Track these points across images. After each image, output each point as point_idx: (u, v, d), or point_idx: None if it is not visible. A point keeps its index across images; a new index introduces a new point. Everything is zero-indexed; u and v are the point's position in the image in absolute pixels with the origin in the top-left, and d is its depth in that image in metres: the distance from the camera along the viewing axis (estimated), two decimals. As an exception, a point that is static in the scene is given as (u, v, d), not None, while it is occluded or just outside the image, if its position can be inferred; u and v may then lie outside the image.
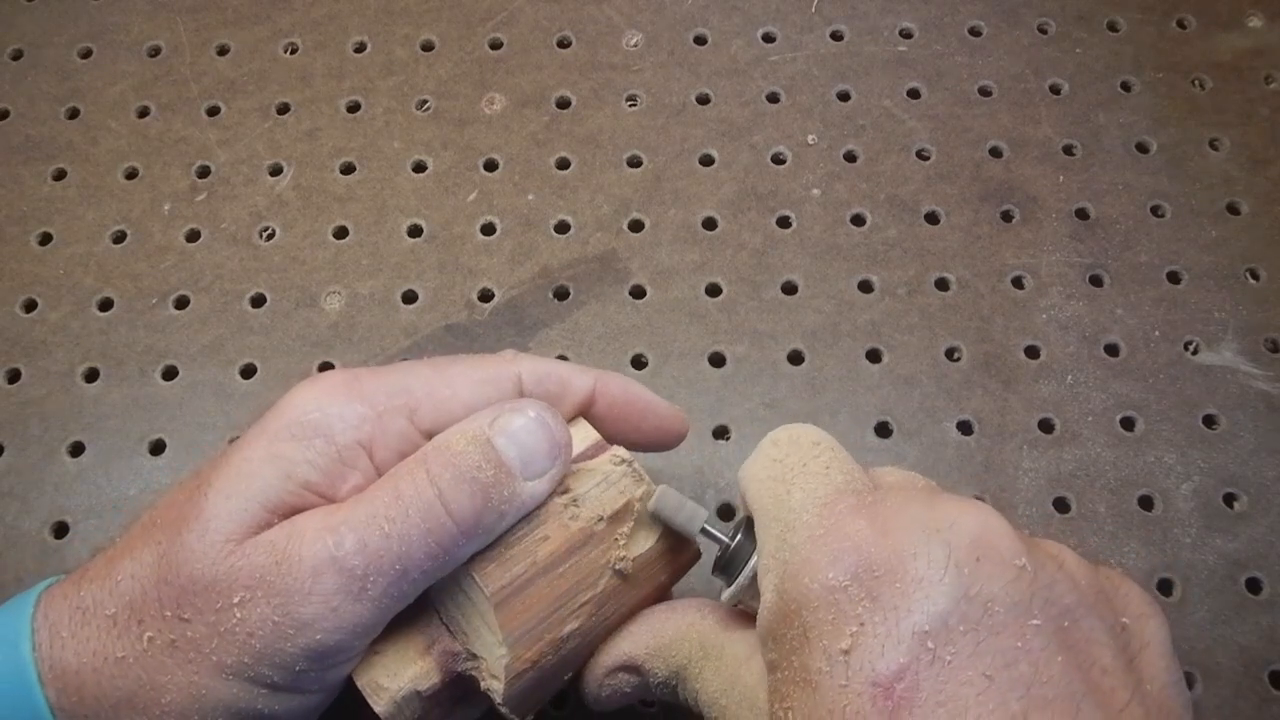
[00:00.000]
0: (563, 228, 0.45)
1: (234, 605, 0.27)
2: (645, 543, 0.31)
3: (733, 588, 0.30)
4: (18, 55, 0.50)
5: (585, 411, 0.33)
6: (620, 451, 0.31)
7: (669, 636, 0.30)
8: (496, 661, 0.29)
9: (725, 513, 0.40)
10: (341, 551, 0.27)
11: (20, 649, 0.28)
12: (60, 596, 0.29)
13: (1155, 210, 0.45)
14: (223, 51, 0.49)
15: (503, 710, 0.29)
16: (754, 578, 0.29)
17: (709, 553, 0.32)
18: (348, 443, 0.29)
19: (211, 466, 0.29)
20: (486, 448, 0.29)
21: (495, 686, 0.29)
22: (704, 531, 0.31)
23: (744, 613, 0.31)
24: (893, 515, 0.26)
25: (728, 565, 0.30)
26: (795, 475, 0.29)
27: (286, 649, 0.27)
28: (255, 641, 0.27)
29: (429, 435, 0.30)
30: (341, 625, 0.27)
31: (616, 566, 0.30)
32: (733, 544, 0.30)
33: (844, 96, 0.48)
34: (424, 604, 0.30)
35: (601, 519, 0.30)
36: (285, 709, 0.28)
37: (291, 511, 0.29)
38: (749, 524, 0.30)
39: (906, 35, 0.49)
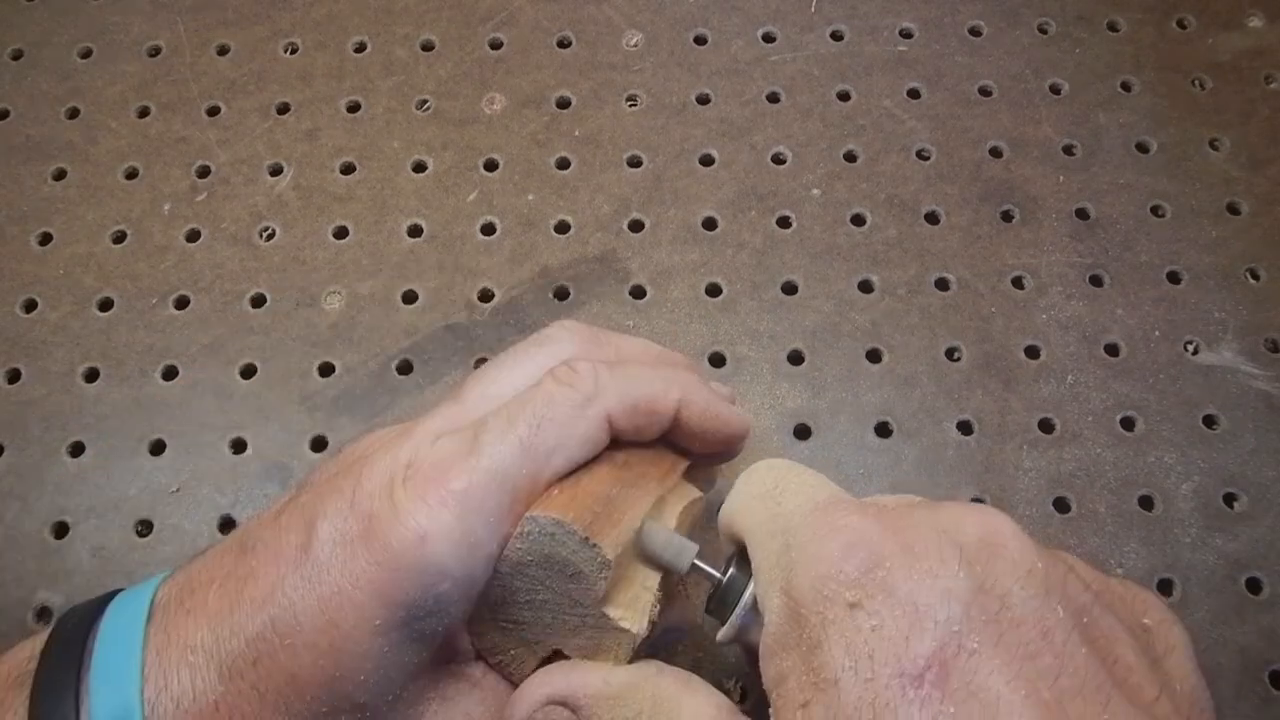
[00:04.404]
0: (563, 228, 0.45)
1: None
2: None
3: (731, 619, 0.28)
4: (18, 55, 0.50)
5: (667, 430, 0.31)
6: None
7: (620, 685, 0.29)
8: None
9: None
10: None
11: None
12: (187, 668, 0.27)
13: (1155, 210, 0.45)
14: (223, 51, 0.49)
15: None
16: (753, 608, 0.28)
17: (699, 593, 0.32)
18: (481, 587, 0.28)
19: (337, 629, 0.27)
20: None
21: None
22: (694, 568, 0.29)
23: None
24: (898, 517, 0.26)
25: (722, 601, 0.29)
26: (783, 490, 0.28)
27: None
28: None
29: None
30: None
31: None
32: (725, 578, 0.29)
33: (844, 96, 0.48)
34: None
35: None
36: None
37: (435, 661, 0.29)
38: (740, 556, 0.29)
39: (906, 35, 0.49)
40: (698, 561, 0.29)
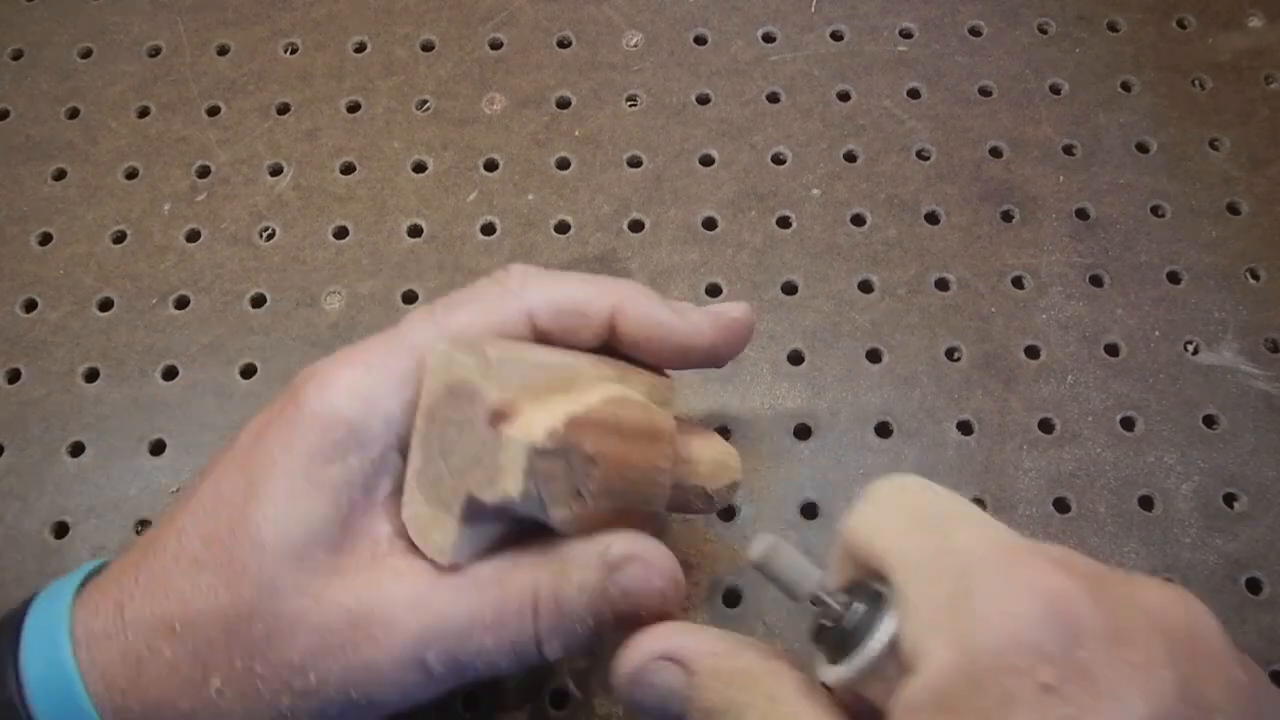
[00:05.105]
0: (563, 228, 0.45)
1: (309, 668, 0.26)
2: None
3: (857, 660, 0.24)
4: (18, 55, 0.50)
5: (604, 337, 0.31)
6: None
7: (740, 666, 0.26)
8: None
9: (725, 512, 0.40)
10: (431, 656, 0.27)
11: (76, 697, 0.26)
12: (104, 638, 0.27)
13: (1155, 210, 0.45)
14: (223, 51, 0.49)
15: None
16: (885, 654, 0.24)
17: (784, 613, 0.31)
18: (381, 450, 0.29)
19: (250, 483, 0.27)
20: (599, 601, 0.27)
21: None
22: (815, 600, 0.26)
23: (828, 694, 0.26)
24: (1099, 585, 0.22)
25: (842, 640, 0.25)
26: (951, 521, 0.24)
27: (359, 716, 0.27)
28: (331, 708, 0.27)
29: None
30: (409, 701, 0.28)
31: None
32: (847, 612, 0.25)
33: (844, 96, 0.48)
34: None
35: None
36: None
37: (340, 533, 0.28)
38: (871, 593, 0.25)
39: (906, 35, 0.49)
40: (820, 593, 0.26)
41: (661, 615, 0.28)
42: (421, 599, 0.27)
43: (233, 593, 0.26)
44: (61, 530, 0.40)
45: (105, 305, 0.44)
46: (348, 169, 0.47)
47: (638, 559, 0.27)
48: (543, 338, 0.30)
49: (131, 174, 0.47)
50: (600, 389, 0.29)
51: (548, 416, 0.27)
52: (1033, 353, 0.43)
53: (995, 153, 0.47)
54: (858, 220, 0.45)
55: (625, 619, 0.28)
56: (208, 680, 0.26)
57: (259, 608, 0.26)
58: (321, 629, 0.26)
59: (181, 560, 0.27)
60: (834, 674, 0.25)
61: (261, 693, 0.26)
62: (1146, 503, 0.40)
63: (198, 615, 0.26)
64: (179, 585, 0.27)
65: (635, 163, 0.47)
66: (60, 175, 0.47)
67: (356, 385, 0.28)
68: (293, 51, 0.50)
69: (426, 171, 0.47)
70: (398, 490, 0.29)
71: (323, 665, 0.26)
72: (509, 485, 0.27)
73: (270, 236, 0.45)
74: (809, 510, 0.40)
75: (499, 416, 0.27)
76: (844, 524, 0.26)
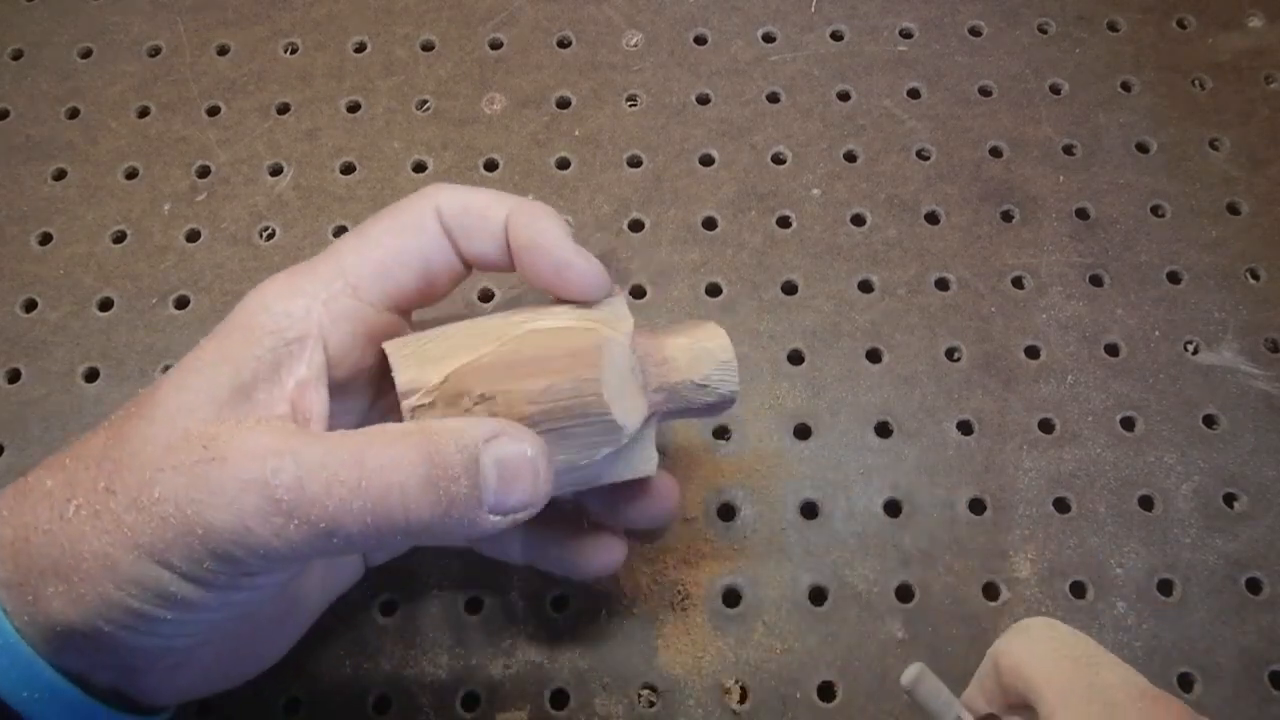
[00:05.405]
0: (563, 228, 0.45)
1: (156, 483, 0.26)
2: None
3: None
4: (18, 55, 0.50)
5: (502, 240, 0.32)
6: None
7: None
8: None
9: (725, 512, 0.40)
10: (276, 480, 0.26)
11: None
12: (13, 486, 0.29)
13: (1155, 210, 0.45)
14: (223, 51, 0.49)
15: None
16: None
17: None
18: (295, 336, 0.30)
19: (167, 373, 0.30)
20: (471, 463, 0.27)
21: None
22: None
23: None
24: None
25: None
26: (1097, 660, 0.27)
27: (194, 545, 0.26)
28: (167, 529, 0.26)
29: (377, 305, 0.31)
30: (251, 548, 0.26)
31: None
32: None
33: (844, 96, 0.48)
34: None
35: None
36: (200, 599, 0.27)
37: (236, 396, 0.29)
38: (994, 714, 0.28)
39: (906, 35, 0.49)
40: (963, 716, 0.29)
41: (529, 500, 0.28)
42: (284, 436, 0.27)
43: (115, 434, 0.28)
44: (61, 530, 0.40)
45: (105, 305, 0.44)
46: (348, 169, 0.47)
47: (512, 434, 0.28)
48: (449, 234, 0.32)
49: (131, 174, 0.47)
50: (502, 333, 0.31)
51: (433, 378, 0.29)
52: (1033, 353, 0.43)
53: (995, 153, 0.47)
54: (858, 220, 0.45)
55: (499, 501, 0.28)
56: (70, 503, 0.27)
57: (129, 435, 0.28)
58: (176, 447, 0.27)
59: (99, 428, 0.29)
60: None
61: (111, 509, 0.27)
62: (1146, 503, 0.40)
63: (84, 451, 0.28)
64: (88, 439, 0.29)
65: (635, 163, 0.47)
66: (60, 175, 0.47)
67: (281, 280, 0.31)
68: (293, 51, 0.50)
69: (426, 171, 0.47)
70: (316, 381, 0.30)
71: (169, 480, 0.26)
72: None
73: (270, 236, 0.45)
74: (809, 510, 0.40)
75: (404, 397, 0.29)
76: (995, 648, 0.29)
